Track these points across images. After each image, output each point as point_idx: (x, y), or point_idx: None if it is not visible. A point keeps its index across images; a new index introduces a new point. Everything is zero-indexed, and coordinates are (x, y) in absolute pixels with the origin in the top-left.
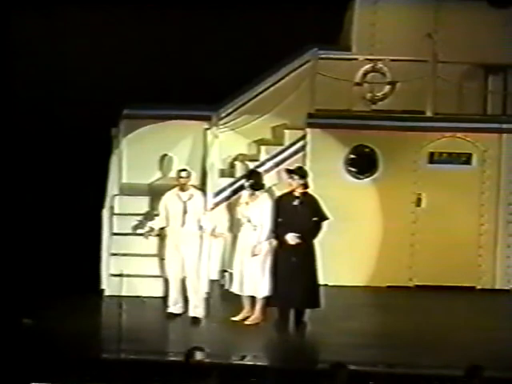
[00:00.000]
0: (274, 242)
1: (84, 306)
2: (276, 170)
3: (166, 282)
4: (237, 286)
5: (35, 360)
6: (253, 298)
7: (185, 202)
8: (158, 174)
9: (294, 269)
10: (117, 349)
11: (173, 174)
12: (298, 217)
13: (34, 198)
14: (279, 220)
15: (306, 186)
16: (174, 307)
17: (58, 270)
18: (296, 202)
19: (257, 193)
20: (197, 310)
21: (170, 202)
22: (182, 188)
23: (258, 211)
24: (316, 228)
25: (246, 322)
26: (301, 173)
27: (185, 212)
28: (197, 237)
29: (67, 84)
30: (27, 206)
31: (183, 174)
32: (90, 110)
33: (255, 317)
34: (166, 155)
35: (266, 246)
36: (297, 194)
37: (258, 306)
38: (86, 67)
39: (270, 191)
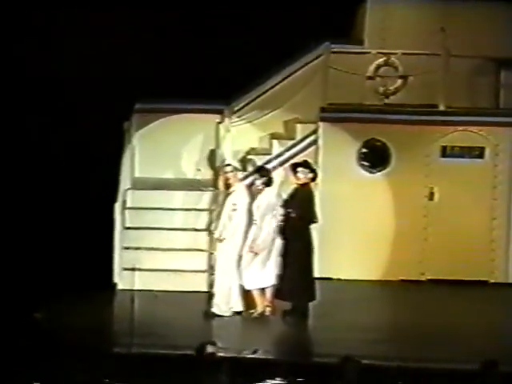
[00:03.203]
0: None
1: (97, 299)
2: (285, 164)
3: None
4: (246, 280)
5: (47, 354)
6: (262, 291)
7: (224, 199)
8: (171, 168)
9: (287, 262)
10: (129, 343)
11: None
12: (288, 209)
13: (47, 192)
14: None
15: (313, 179)
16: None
17: (71, 264)
18: (289, 195)
19: (266, 189)
20: (218, 306)
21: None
22: (228, 184)
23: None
24: (299, 223)
25: (254, 315)
26: (309, 166)
27: (222, 209)
28: (230, 234)
29: (80, 79)
30: (41, 200)
31: (227, 168)
32: (102, 104)
33: (259, 309)
34: (213, 150)
35: (261, 242)
36: (296, 186)
37: (266, 298)
38: (99, 62)
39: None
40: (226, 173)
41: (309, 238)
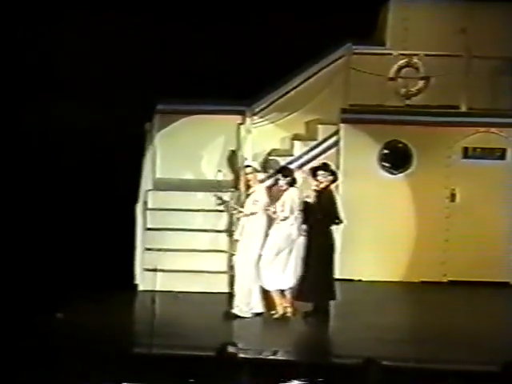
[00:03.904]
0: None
1: (118, 300)
2: (304, 167)
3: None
4: (265, 281)
5: (68, 354)
6: (282, 292)
7: (244, 200)
8: (192, 169)
9: (308, 263)
10: (149, 343)
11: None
12: (311, 212)
13: (69, 192)
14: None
15: (334, 181)
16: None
17: (92, 265)
18: (312, 198)
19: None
20: (239, 307)
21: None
22: (248, 185)
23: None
24: (322, 225)
25: (274, 316)
26: (329, 169)
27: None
28: (251, 234)
29: (101, 79)
30: (63, 200)
31: (248, 169)
32: (124, 105)
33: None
34: (234, 151)
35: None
36: (317, 189)
37: (286, 299)
38: (120, 62)
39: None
40: (247, 174)
41: (331, 238)
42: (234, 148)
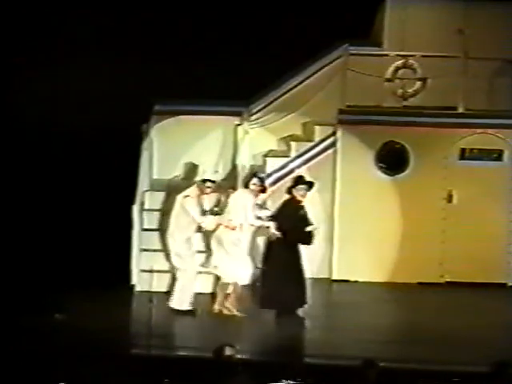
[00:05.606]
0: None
1: (115, 301)
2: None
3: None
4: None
5: (65, 355)
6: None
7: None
8: (189, 170)
9: (287, 270)
10: (146, 344)
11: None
12: (301, 224)
13: (66, 194)
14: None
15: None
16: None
17: (89, 266)
18: (302, 211)
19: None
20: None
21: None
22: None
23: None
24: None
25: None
26: (309, 184)
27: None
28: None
29: (99, 79)
30: (60, 202)
31: (209, 184)
32: (120, 106)
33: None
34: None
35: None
36: (301, 203)
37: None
38: (117, 63)
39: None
40: (207, 187)
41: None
42: (231, 149)
